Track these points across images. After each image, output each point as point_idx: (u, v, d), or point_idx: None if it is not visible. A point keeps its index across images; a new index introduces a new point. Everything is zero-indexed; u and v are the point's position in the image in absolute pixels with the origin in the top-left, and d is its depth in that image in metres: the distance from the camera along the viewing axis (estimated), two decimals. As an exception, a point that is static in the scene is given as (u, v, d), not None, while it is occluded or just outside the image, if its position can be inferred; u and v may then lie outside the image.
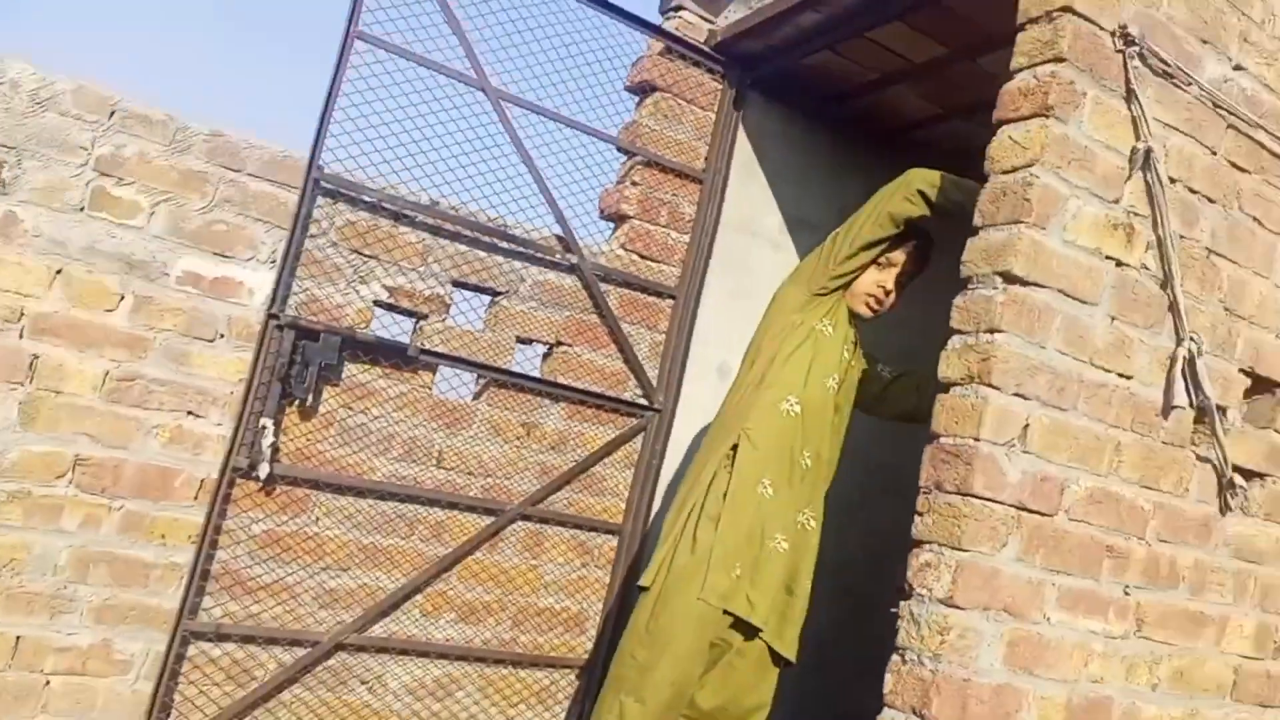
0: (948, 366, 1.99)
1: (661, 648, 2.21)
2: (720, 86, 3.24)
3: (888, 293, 2.53)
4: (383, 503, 2.72)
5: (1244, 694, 2.34)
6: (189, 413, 2.45)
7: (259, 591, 2.54)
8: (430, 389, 2.79)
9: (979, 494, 1.89)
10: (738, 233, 3.36)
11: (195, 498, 2.45)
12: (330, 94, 2.51)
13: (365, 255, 2.66)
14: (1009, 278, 1.93)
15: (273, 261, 2.53)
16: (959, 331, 1.99)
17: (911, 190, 2.36)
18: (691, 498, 2.34)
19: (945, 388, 1.99)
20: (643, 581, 2.33)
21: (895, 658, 1.95)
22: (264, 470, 2.46)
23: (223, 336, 2.48)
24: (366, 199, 2.65)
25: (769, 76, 3.27)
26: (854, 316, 2.58)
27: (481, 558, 2.87)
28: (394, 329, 2.76)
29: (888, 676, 1.95)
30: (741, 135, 3.33)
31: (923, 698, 1.87)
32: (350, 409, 2.66)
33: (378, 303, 2.70)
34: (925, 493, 1.98)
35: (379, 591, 2.70)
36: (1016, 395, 1.93)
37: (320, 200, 2.58)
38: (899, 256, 2.51)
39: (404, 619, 2.75)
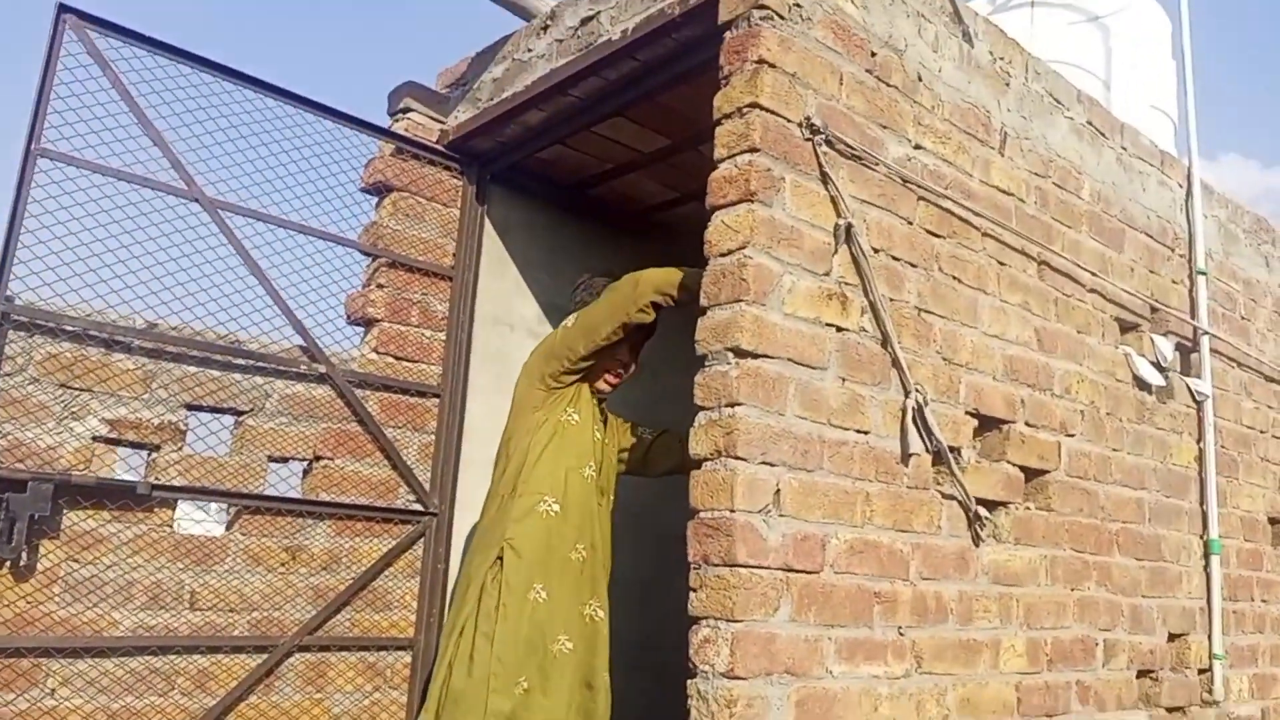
0: (697, 443, 2.06)
1: None
2: (460, 183, 3.28)
3: (625, 364, 2.61)
4: (131, 659, 2.43)
5: (1029, 708, 2.49)
6: None
7: (-21, 790, 2.19)
8: (171, 526, 2.55)
9: (744, 563, 1.95)
10: (495, 325, 3.36)
11: (-115, 693, 2.10)
12: (14, 218, 2.31)
13: (74, 389, 2.43)
14: (739, 352, 2.03)
15: (-38, 410, 2.26)
16: (704, 408, 2.07)
17: (644, 302, 2.50)
18: (461, 617, 2.31)
19: (698, 464, 2.05)
20: (422, 716, 2.23)
21: None
22: (-28, 646, 2.14)
23: (-92, 500, 2.17)
24: (68, 328, 2.43)
25: (507, 170, 3.34)
26: (597, 394, 2.63)
27: (257, 701, 2.62)
28: (122, 466, 2.52)
29: None
30: (489, 228, 3.37)
31: None
32: (76, 560, 2.38)
33: (98, 438, 2.46)
34: (695, 568, 2.02)
35: (134, 763, 2.39)
36: (764, 463, 2.02)
37: (11, 334, 2.34)
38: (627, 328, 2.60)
39: (169, 788, 2.44)
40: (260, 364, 2.75)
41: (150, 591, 2.49)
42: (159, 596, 2.50)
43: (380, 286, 3.06)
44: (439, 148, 3.23)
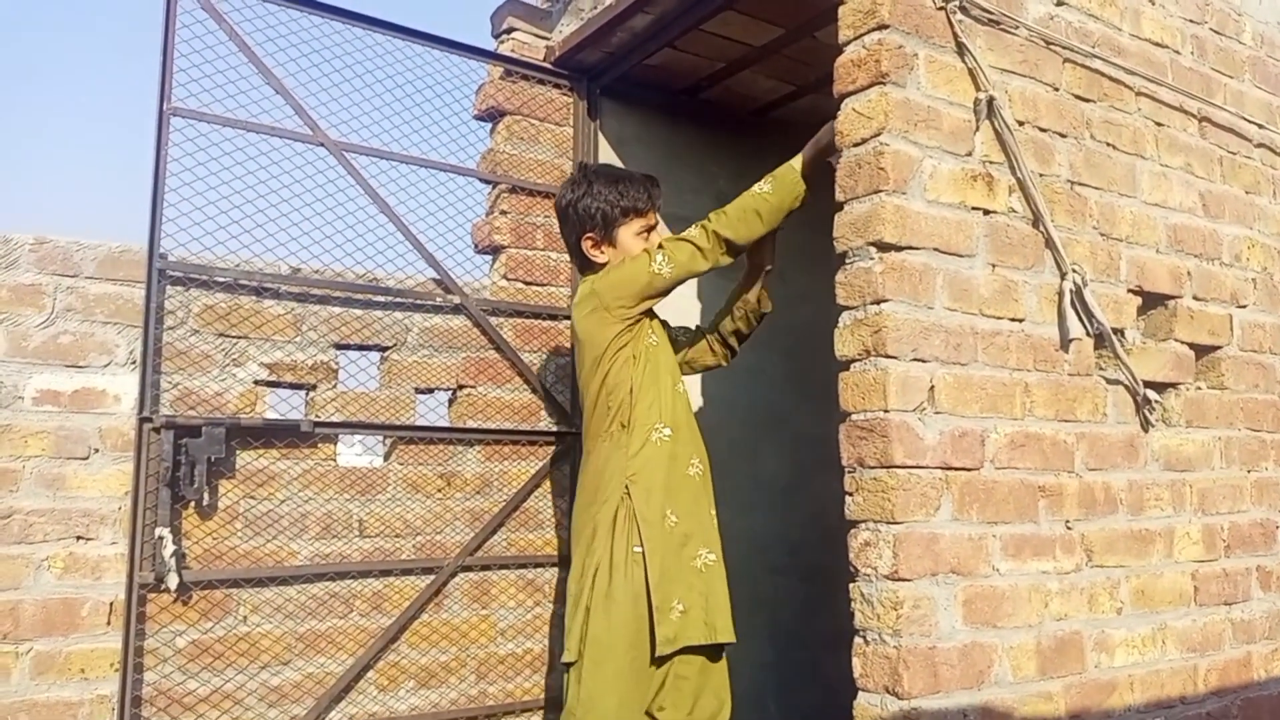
0: (843, 344, 2.00)
1: (612, 702, 2.14)
2: (571, 100, 3.23)
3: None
4: (311, 586, 2.59)
5: (1206, 597, 2.38)
6: (78, 537, 2.30)
7: (199, 705, 2.40)
8: (334, 460, 2.68)
9: (901, 463, 1.89)
10: (618, 239, 3.33)
11: (108, 623, 2.30)
12: (156, 178, 2.40)
13: (232, 337, 2.55)
14: (882, 246, 1.94)
15: (133, 363, 2.40)
16: (847, 307, 2.00)
17: (718, 256, 2.37)
18: (595, 558, 2.24)
19: (846, 365, 1.99)
20: (566, 658, 2.22)
21: (858, 640, 1.94)
22: (173, 581, 2.32)
23: (97, 451, 2.34)
24: (220, 279, 2.54)
25: (617, 82, 3.26)
26: None
27: (429, 619, 2.76)
28: (283, 407, 2.65)
29: (855, 660, 1.95)
30: (603, 144, 3.31)
31: (893, 676, 1.85)
32: (253, 498, 2.53)
33: (259, 382, 2.59)
34: (850, 471, 1.98)
35: (328, 677, 2.57)
36: (915, 360, 1.94)
37: (170, 290, 2.46)
38: (655, 218, 2.52)
39: (361, 699, 2.62)
40: (399, 299, 2.82)
41: (322, 522, 2.63)
42: (330, 527, 2.64)
43: (503, 213, 3.07)
44: (546, 65, 3.18)
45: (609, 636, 2.16)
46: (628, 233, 2.43)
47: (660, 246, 2.36)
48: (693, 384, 3.35)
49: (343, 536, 2.66)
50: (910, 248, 1.97)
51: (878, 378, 1.92)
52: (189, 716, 2.38)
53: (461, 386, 2.92)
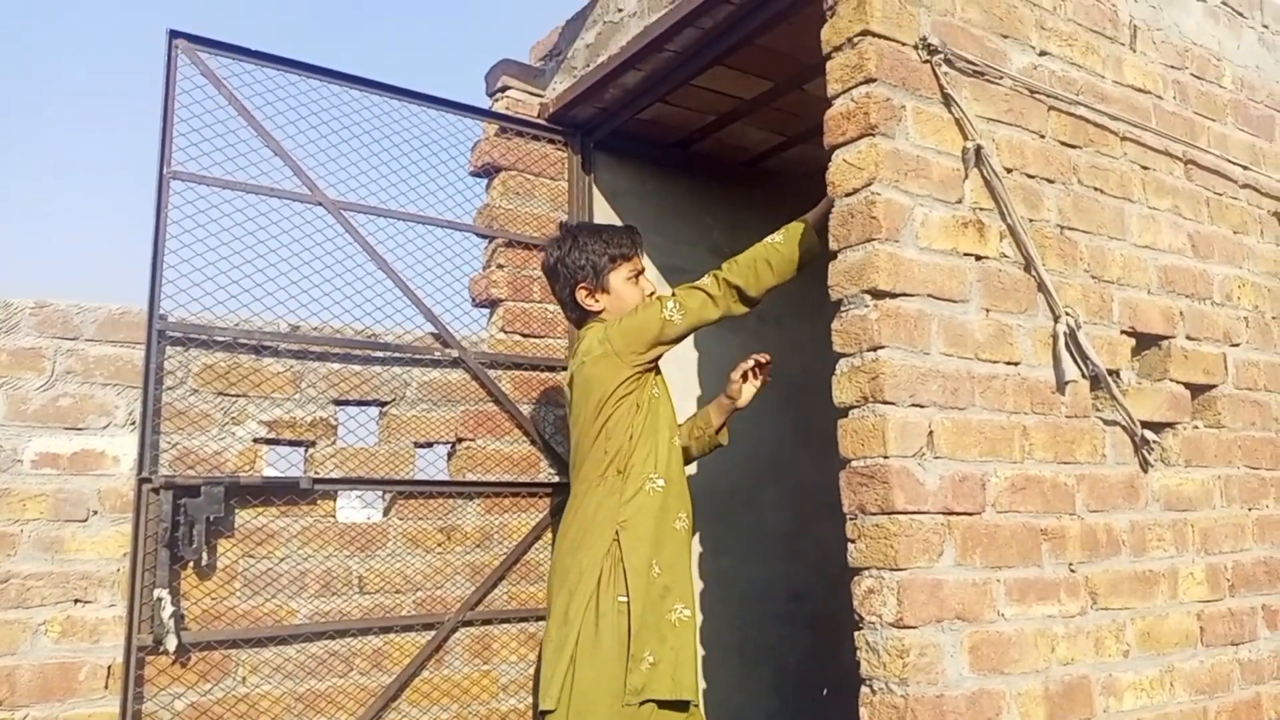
0: (840, 390, 2.01)
1: None
2: (565, 155, 3.28)
3: (653, 293, 2.54)
4: (311, 644, 2.57)
5: (1213, 637, 2.36)
6: (76, 600, 2.29)
7: (194, 772, 2.36)
8: (333, 516, 2.68)
9: (903, 509, 1.89)
10: (615, 291, 3.36)
11: (106, 686, 2.28)
12: (156, 239, 2.43)
13: (232, 395, 2.56)
14: (877, 293, 1.96)
15: (132, 423, 2.41)
16: (844, 354, 2.02)
17: (729, 304, 2.43)
18: (576, 604, 2.22)
19: (844, 412, 2.00)
20: (545, 705, 2.19)
21: (865, 690, 1.93)
22: (171, 643, 2.30)
23: (96, 513, 2.34)
24: (219, 339, 2.56)
25: (610, 136, 3.32)
26: None
27: (429, 676, 2.73)
28: (282, 464, 2.65)
29: (861, 710, 1.93)
30: (598, 197, 3.36)
31: None
32: (252, 556, 2.52)
33: (258, 440, 2.59)
34: (851, 518, 1.98)
35: (325, 740, 2.53)
36: (914, 405, 1.95)
37: (170, 350, 2.48)
38: (641, 262, 2.56)
39: (359, 762, 2.58)
40: (397, 354, 2.84)
41: (322, 580, 2.62)
42: (330, 584, 2.63)
43: (500, 266, 3.10)
44: (540, 121, 3.24)
45: (595, 689, 2.13)
46: (618, 278, 2.48)
47: (673, 294, 2.40)
48: (692, 432, 3.36)
49: (342, 593, 2.64)
50: (904, 294, 1.99)
51: (876, 424, 1.93)
52: (188, 782, 2.35)
53: (461, 440, 2.93)
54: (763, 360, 2.63)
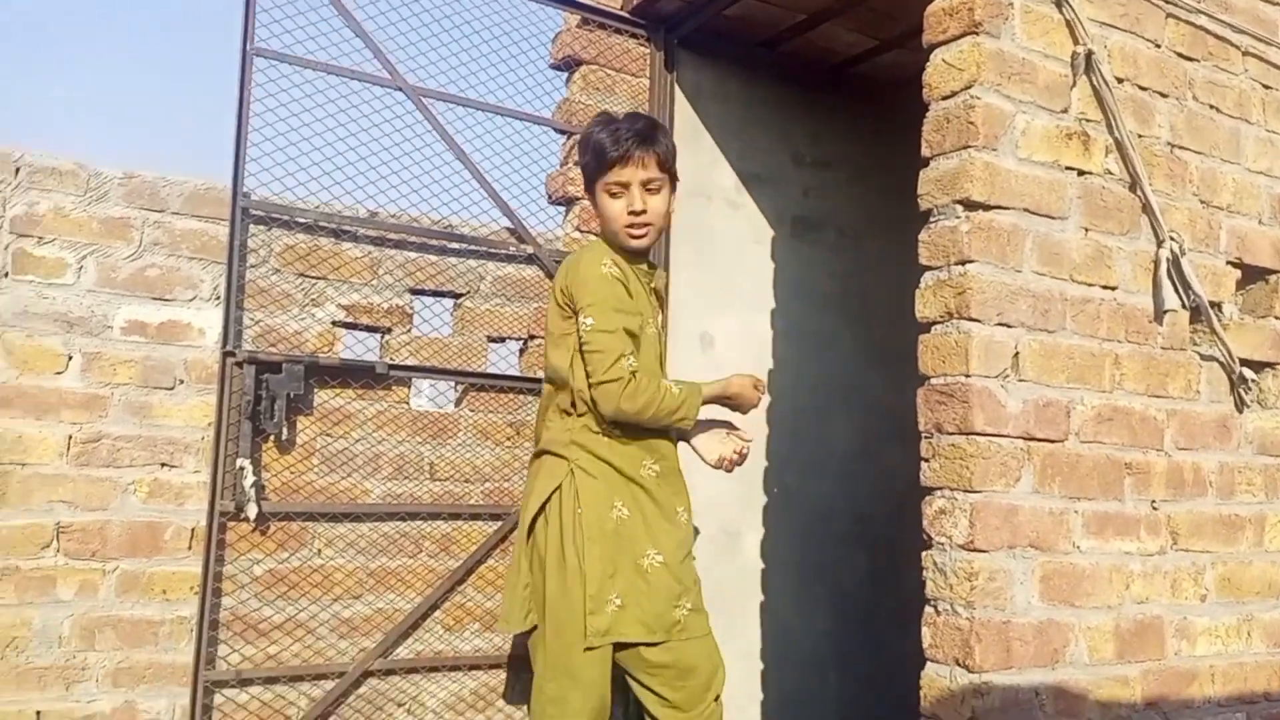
0: (924, 305, 1.95)
1: (572, 679, 2.04)
2: (647, 51, 3.19)
3: (639, 212, 2.15)
4: (383, 524, 2.63)
5: (1300, 591, 2.28)
6: (163, 464, 2.37)
7: (273, 632, 2.46)
8: (407, 403, 2.72)
9: (982, 431, 1.85)
10: (692, 197, 3.30)
11: (189, 548, 2.38)
12: (240, 118, 2.43)
13: (312, 277, 2.59)
14: (969, 204, 1.89)
15: (217, 298, 2.45)
16: (929, 267, 1.95)
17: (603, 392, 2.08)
18: (540, 522, 2.11)
19: (926, 327, 1.94)
20: (519, 629, 2.15)
21: (929, 610, 1.91)
22: (252, 511, 2.38)
23: (182, 382, 2.41)
24: (300, 220, 2.58)
25: (695, 33, 3.22)
26: (634, 252, 2.22)
27: (495, 565, 2.79)
28: (358, 348, 2.69)
29: (925, 630, 1.91)
30: (679, 96, 3.27)
31: (963, 648, 1.81)
32: (329, 435, 2.58)
33: (337, 323, 2.63)
34: (927, 437, 1.94)
35: (396, 614, 2.62)
36: (1000, 324, 1.89)
37: (253, 229, 2.50)
38: (631, 173, 2.13)
39: (428, 637, 2.67)
40: (473, 247, 2.84)
41: (394, 463, 2.67)
42: (402, 468, 2.68)
43: (577, 164, 3.05)
44: (623, 14, 3.15)
45: (565, 613, 2.05)
46: (601, 189, 2.18)
47: (591, 310, 2.07)
48: (762, 349, 3.32)
49: (414, 478, 2.70)
50: (999, 207, 1.91)
51: (960, 341, 1.87)
52: (263, 642, 2.45)
53: (533, 336, 2.93)
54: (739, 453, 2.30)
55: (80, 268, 2.32)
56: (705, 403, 2.19)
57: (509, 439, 2.85)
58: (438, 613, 2.69)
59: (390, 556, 2.64)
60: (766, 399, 2.16)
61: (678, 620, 2.08)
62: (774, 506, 3.24)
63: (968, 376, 1.84)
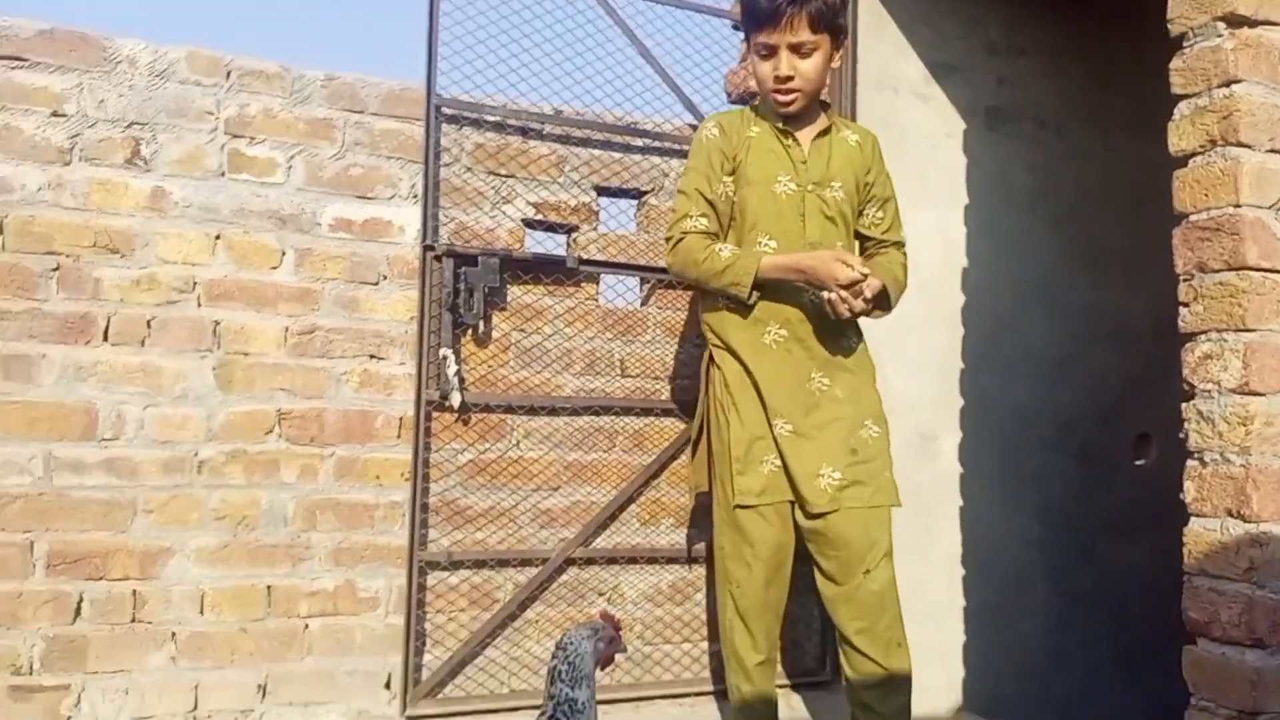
0: (1180, 136, 1.78)
1: (736, 535, 2.12)
2: (828, -62, 3.04)
3: (783, 78, 2.08)
4: (577, 418, 2.65)
5: None
6: (371, 356, 2.45)
7: (478, 519, 2.53)
8: (596, 300, 2.72)
9: (1255, 265, 1.68)
10: (878, 90, 3.13)
11: (398, 436, 2.46)
12: (431, 15, 2.47)
13: (502, 175, 2.61)
14: (1234, 20, 1.70)
15: (414, 196, 2.51)
16: (1184, 95, 1.77)
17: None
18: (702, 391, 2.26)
19: (1182, 161, 1.77)
20: (704, 488, 2.27)
21: (1192, 463, 1.75)
22: (456, 399, 2.44)
23: (385, 278, 2.48)
24: (490, 118, 2.60)
25: (877, -86, 3.04)
26: (782, 118, 2.17)
27: (687, 461, 2.76)
28: (549, 244, 2.71)
29: (1187, 485, 1.75)
30: (865, -17, 3.11)
31: (1238, 497, 1.65)
32: (523, 330, 2.61)
33: (526, 221, 2.65)
34: (1186, 279, 1.77)
35: (593, 506, 2.64)
36: (1272, 151, 1.70)
37: (445, 128, 2.54)
38: (779, 36, 2.04)
39: (624, 530, 2.68)
40: (656, 144, 2.79)
41: (586, 359, 2.68)
42: (594, 364, 2.69)
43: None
44: (804, -100, 3.00)
45: (721, 470, 2.16)
46: (752, 50, 2.15)
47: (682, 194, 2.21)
48: (956, 247, 3.14)
49: (605, 374, 2.70)
50: (1268, 22, 1.70)
51: (1226, 169, 1.69)
52: (469, 528, 2.52)
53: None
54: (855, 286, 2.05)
55: (289, 167, 2.41)
56: (770, 274, 2.08)
57: (696, 337, 2.81)
58: (633, 506, 2.69)
59: (584, 450, 2.65)
60: (856, 275, 1.98)
61: (823, 490, 2.06)
62: (972, 410, 3.07)
63: (1237, 207, 1.66)
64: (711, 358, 2.21)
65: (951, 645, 2.97)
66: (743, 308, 2.12)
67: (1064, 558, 3.18)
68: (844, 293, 1.99)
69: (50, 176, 2.20)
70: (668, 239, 2.21)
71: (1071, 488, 3.23)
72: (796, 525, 2.11)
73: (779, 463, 2.09)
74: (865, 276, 2.00)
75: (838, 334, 2.14)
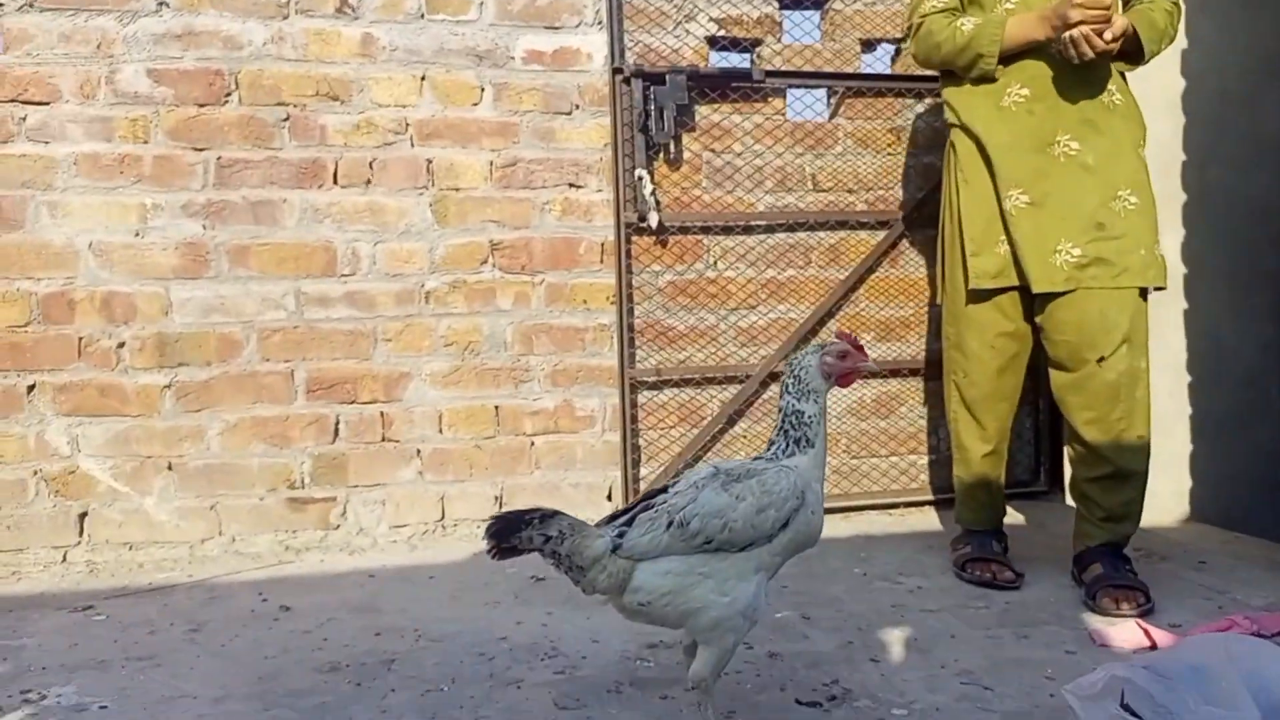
0: None
1: (963, 322, 2.07)
2: None
3: None
4: (771, 236, 2.66)
5: None
6: (570, 184, 2.54)
7: (681, 339, 2.62)
8: (784, 114, 2.68)
9: None
10: None
11: (600, 261, 2.55)
12: None
13: (682, -9, 2.59)
14: None
15: (599, 22, 2.53)
16: None
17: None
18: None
19: None
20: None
21: None
22: (653, 219, 2.50)
23: (578, 107, 2.53)
24: (667, -68, 2.56)
25: None
26: None
27: (884, 274, 2.74)
28: (732, 64, 2.68)
29: None
30: None
31: None
32: (713, 150, 2.62)
33: (709, 39, 2.62)
34: None
35: (791, 324, 2.67)
36: None
37: (628, -57, 2.53)
38: None
39: (824, 344, 2.70)
40: (836, -56, 2.68)
41: (777, 175, 2.66)
42: (785, 180, 2.67)
43: None
44: None
45: (955, 253, 2.12)
46: None
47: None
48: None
49: (796, 190, 2.68)
50: None
51: None
52: (674, 349, 2.61)
53: (907, 36, 2.73)
54: None
55: (481, 3, 2.48)
56: (1016, 37, 1.96)
57: (890, 145, 2.73)
58: (832, 321, 2.70)
59: (780, 269, 2.67)
60: (1094, 8, 1.80)
61: (1058, 267, 1.94)
62: (1196, 205, 2.85)
63: None
64: (951, 143, 2.12)
65: (1178, 455, 2.85)
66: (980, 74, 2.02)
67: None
68: (1085, 29, 1.83)
69: (272, 31, 2.37)
70: (908, 28, 2.16)
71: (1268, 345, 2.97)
72: (1029, 312, 2.03)
73: (1008, 248, 2.00)
74: (1107, 8, 1.84)
75: (1092, 90, 1.96)
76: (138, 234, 2.32)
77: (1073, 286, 1.94)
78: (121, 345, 2.31)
